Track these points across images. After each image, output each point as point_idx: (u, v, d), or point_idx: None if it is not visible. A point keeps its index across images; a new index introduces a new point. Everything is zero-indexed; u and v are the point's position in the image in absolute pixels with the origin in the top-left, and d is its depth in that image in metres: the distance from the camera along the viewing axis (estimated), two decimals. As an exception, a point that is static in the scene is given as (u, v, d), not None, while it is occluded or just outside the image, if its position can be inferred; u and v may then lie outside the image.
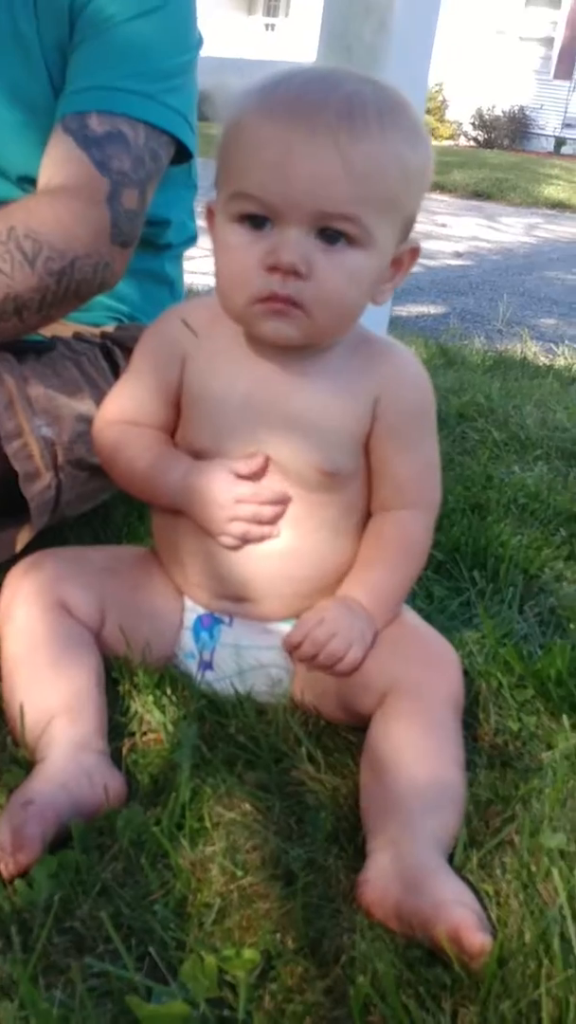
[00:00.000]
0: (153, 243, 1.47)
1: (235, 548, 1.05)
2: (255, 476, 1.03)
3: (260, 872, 0.89)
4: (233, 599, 1.09)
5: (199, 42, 1.37)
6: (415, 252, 1.00)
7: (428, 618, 1.30)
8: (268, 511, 1.03)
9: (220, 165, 0.96)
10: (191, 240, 1.61)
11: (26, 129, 1.31)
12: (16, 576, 1.11)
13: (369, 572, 1.07)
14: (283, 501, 1.04)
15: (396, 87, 0.95)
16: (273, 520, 1.04)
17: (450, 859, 0.90)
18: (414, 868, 0.84)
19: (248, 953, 0.79)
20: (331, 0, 2.09)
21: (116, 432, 1.10)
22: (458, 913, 0.79)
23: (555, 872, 0.87)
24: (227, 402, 1.04)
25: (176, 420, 1.09)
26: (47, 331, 1.38)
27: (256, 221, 0.93)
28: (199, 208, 1.30)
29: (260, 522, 1.03)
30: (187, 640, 1.12)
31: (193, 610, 1.12)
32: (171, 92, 1.27)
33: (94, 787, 0.93)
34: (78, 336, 1.41)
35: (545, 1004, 0.75)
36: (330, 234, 0.92)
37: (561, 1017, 0.75)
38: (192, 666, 1.13)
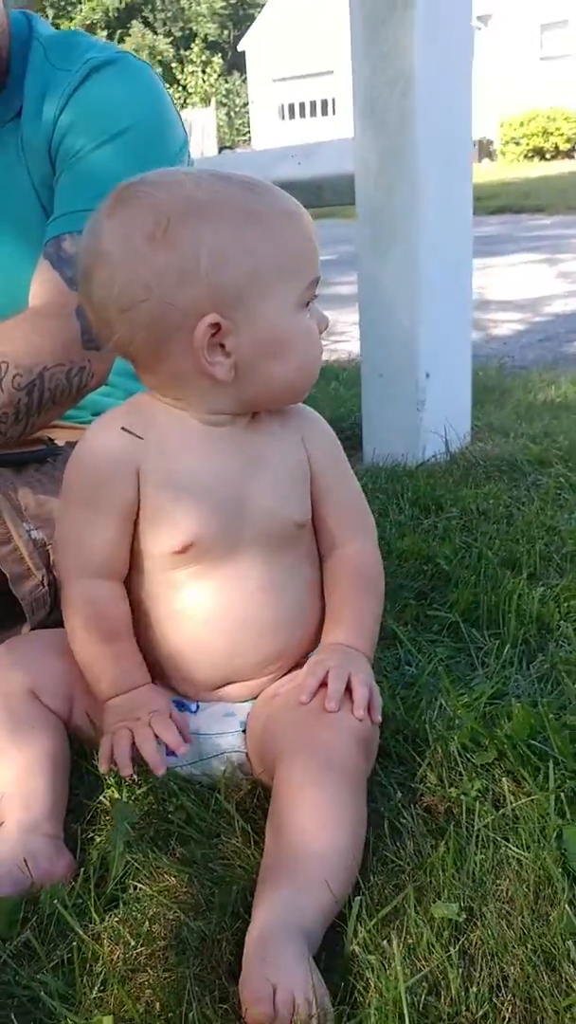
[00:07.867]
0: None
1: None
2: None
3: (155, 944, 0.93)
4: (207, 689, 1.14)
5: (178, 153, 1.49)
6: None
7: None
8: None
9: (282, 261, 1.02)
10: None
11: (34, 263, 1.46)
12: None
13: (347, 614, 1.13)
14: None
15: None
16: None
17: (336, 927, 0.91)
18: (254, 947, 0.85)
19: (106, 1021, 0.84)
20: (359, 73, 2.13)
21: (81, 600, 1.11)
22: (251, 1015, 0.80)
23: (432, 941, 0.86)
24: (199, 490, 1.07)
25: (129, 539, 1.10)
26: (59, 438, 1.51)
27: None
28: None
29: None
30: None
31: None
32: None
33: (37, 870, 1.00)
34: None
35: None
36: None
37: None
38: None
